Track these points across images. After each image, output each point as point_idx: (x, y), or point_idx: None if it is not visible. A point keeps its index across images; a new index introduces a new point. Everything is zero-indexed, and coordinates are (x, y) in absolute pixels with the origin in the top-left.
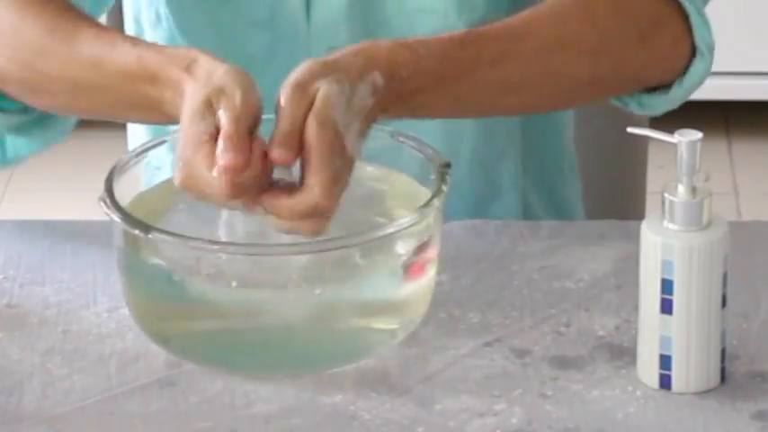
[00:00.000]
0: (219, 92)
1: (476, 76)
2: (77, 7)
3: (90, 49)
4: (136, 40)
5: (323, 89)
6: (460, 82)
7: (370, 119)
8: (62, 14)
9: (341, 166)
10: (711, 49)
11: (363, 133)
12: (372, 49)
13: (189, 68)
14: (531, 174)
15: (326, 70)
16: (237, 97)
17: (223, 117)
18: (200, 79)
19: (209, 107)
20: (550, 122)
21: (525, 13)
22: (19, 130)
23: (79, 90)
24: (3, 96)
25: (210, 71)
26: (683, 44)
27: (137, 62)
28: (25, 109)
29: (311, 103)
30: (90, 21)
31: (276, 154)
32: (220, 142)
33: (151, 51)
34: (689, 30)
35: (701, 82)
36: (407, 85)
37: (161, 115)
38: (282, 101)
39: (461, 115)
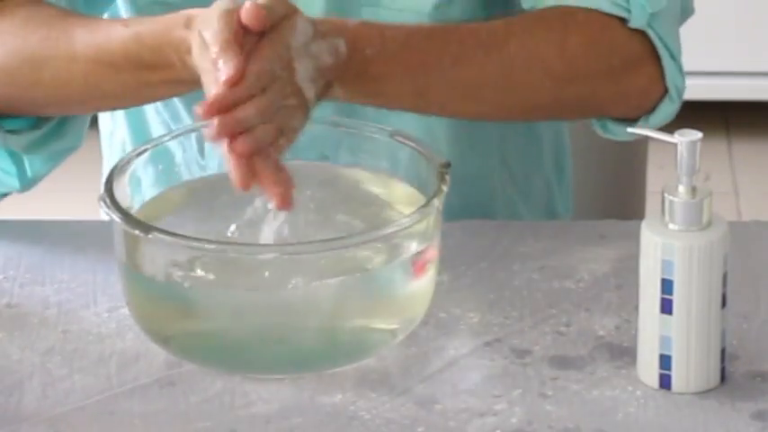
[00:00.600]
0: (205, 24)
1: (436, 72)
2: (62, 8)
3: (87, 48)
4: (127, 21)
5: (288, 18)
6: (420, 74)
7: (325, 79)
8: (49, 22)
9: (282, 87)
10: (681, 93)
11: (316, 88)
12: (341, 20)
13: (188, 25)
14: (517, 185)
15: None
16: (215, 19)
17: (210, 41)
18: (200, 26)
19: (204, 41)
20: (530, 136)
21: (499, 23)
22: (33, 146)
23: (91, 88)
24: (11, 119)
25: (207, 16)
26: (656, 86)
27: (135, 41)
28: (35, 124)
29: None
30: (77, 18)
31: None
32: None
33: (146, 25)
34: (662, 73)
35: (666, 121)
36: (369, 65)
37: (178, 84)
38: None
39: (418, 110)
